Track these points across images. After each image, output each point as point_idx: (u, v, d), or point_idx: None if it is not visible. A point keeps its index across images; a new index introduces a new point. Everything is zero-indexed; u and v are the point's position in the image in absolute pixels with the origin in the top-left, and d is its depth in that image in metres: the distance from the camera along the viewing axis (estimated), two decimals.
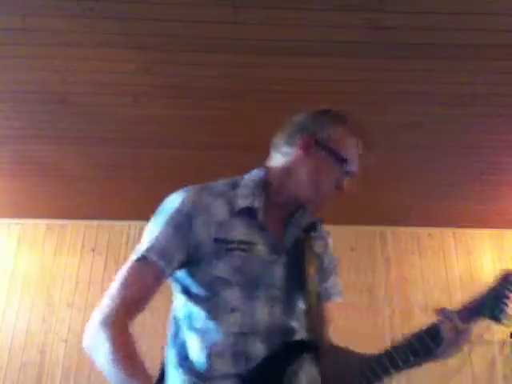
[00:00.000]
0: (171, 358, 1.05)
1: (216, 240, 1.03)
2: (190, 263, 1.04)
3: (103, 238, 3.99)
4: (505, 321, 1.00)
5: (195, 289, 1.05)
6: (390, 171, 3.25)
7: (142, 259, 1.01)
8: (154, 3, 1.94)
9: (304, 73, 2.33)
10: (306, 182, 1.13)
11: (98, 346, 0.93)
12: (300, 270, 1.11)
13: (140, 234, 1.09)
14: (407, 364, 1.00)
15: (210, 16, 2.00)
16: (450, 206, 3.71)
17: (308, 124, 1.16)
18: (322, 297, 1.16)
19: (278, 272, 1.07)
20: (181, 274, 1.07)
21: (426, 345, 0.98)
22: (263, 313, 1.03)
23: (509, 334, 3.76)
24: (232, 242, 1.04)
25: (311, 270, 1.12)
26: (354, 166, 1.15)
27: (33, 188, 3.53)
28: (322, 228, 1.23)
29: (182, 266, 1.05)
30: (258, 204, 1.08)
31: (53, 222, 4.03)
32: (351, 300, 3.98)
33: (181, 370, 1.01)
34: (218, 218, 1.05)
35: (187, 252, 1.03)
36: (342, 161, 1.12)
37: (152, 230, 1.05)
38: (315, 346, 1.07)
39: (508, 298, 1.01)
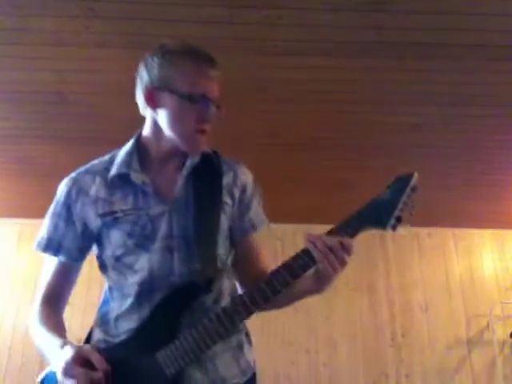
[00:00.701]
0: (96, 320, 1.17)
1: (101, 215, 1.09)
2: (96, 241, 1.14)
3: None
4: (399, 228, 0.98)
5: (105, 261, 1.13)
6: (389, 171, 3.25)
7: (38, 251, 1.16)
8: (154, 3, 1.94)
9: (304, 73, 2.33)
10: (171, 132, 1.10)
11: (31, 323, 1.14)
12: (196, 212, 1.10)
13: None
14: (286, 285, 1.01)
15: (209, 16, 2.00)
16: (450, 205, 3.71)
17: (143, 73, 1.13)
18: (229, 233, 1.16)
19: (169, 222, 1.08)
20: (96, 251, 1.16)
21: (302, 263, 1.00)
22: (164, 265, 1.06)
23: (509, 334, 3.76)
24: (116, 211, 1.09)
25: (212, 208, 1.11)
26: (206, 93, 1.09)
27: (32, 188, 3.53)
28: (225, 161, 1.20)
29: (89, 246, 1.15)
30: (127, 170, 1.10)
31: None
32: (351, 300, 3.98)
33: (99, 329, 1.14)
34: (97, 196, 1.11)
35: (81, 235, 1.12)
36: (189, 97, 1.07)
37: (43, 222, 1.17)
38: (207, 285, 1.06)
39: (405, 203, 0.98)
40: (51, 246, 1.13)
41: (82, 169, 1.18)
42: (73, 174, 1.17)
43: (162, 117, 1.10)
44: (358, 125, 2.76)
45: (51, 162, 3.19)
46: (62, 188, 1.16)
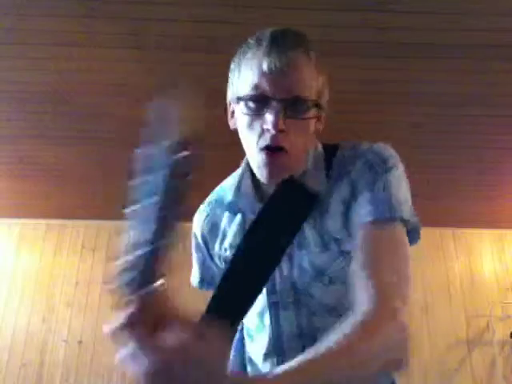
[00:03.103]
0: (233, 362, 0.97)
1: (218, 255, 0.95)
2: None
3: (103, 238, 3.99)
4: None
5: None
6: None
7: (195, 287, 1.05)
8: (154, 3, 1.94)
9: None
10: (246, 150, 0.85)
11: None
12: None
13: None
14: None
15: (210, 16, 2.00)
16: (450, 205, 3.71)
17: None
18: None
19: (277, 273, 0.85)
20: None
21: None
22: (271, 326, 0.86)
23: (509, 335, 3.76)
24: (225, 249, 0.92)
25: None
26: (265, 91, 0.77)
27: (33, 188, 3.53)
28: (342, 164, 0.87)
29: None
30: (233, 197, 0.89)
31: (52, 222, 4.03)
32: None
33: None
34: (222, 229, 0.95)
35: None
36: (238, 99, 0.81)
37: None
38: None
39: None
40: (203, 280, 1.01)
41: (214, 198, 0.99)
42: (207, 204, 0.99)
43: (240, 136, 0.87)
44: (357, 124, 2.76)
45: (52, 162, 3.19)
46: (197, 223, 1.00)
